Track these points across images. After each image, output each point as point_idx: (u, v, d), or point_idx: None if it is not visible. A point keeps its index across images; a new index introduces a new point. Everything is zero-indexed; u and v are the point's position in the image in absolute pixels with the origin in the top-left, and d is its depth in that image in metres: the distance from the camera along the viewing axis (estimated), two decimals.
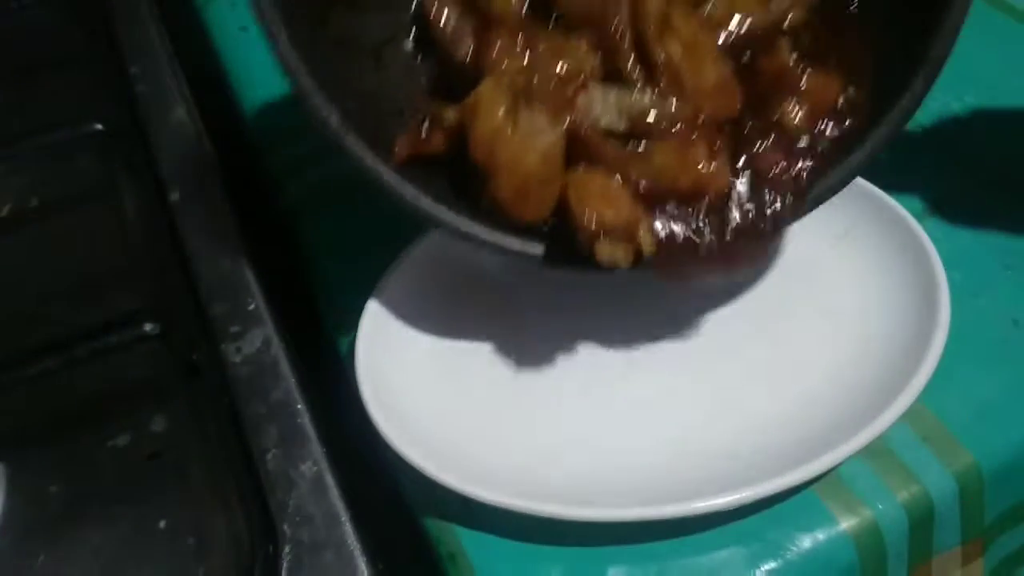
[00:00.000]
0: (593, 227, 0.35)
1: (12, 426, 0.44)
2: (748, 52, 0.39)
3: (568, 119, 0.37)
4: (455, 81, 0.41)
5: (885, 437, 0.38)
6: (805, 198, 0.38)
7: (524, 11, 0.40)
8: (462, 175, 0.38)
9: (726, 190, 0.37)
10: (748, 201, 0.37)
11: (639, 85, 0.38)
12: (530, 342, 0.43)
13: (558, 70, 0.37)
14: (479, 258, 0.43)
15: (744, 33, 0.39)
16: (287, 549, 0.37)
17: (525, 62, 0.38)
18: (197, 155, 0.55)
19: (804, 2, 0.40)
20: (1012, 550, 0.42)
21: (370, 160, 0.38)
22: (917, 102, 0.37)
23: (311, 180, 0.53)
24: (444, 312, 0.44)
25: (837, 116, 0.38)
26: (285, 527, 0.38)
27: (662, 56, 0.37)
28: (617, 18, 0.38)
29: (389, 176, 0.38)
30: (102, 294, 0.49)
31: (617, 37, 0.38)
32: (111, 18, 0.65)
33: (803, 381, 0.40)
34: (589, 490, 0.37)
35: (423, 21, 0.41)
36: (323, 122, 0.37)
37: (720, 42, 0.39)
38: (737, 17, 0.39)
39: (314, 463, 0.40)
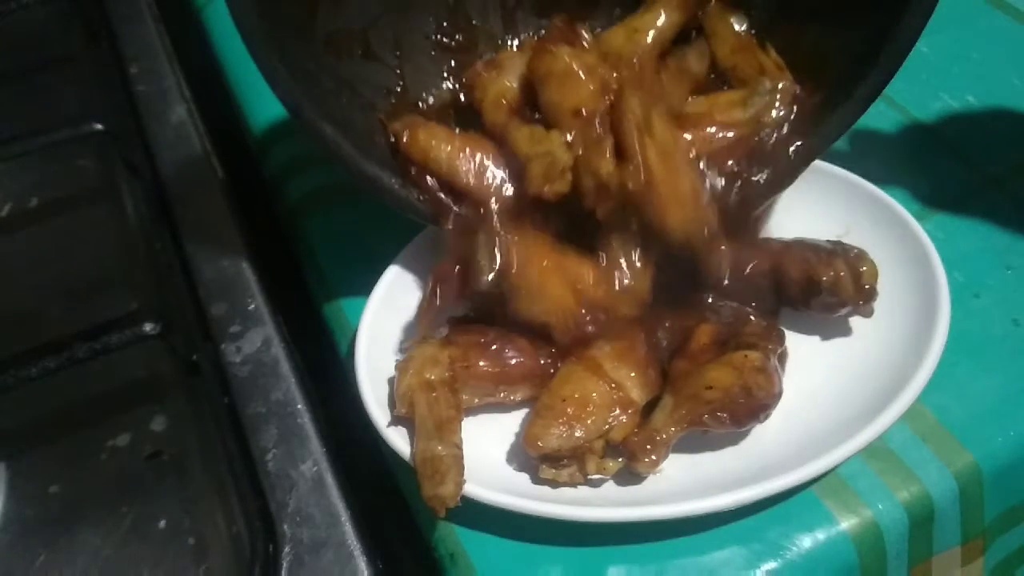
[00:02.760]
0: None
1: (12, 426, 0.44)
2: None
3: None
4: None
5: (885, 437, 0.38)
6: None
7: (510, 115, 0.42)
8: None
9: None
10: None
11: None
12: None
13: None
14: None
15: (725, 136, 0.41)
16: (287, 549, 0.37)
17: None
18: (197, 155, 0.55)
19: (782, 101, 0.41)
20: (1012, 550, 0.42)
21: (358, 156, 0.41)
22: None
23: (311, 180, 0.53)
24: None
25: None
26: (285, 527, 0.38)
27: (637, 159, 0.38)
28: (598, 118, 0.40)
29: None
30: (102, 294, 0.49)
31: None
32: (111, 18, 0.65)
33: (803, 381, 0.40)
34: (589, 490, 0.37)
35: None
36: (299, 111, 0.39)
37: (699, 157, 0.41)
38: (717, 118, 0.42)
39: (314, 463, 0.40)
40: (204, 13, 0.66)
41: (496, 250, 0.39)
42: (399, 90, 0.46)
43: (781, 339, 0.40)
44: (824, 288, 0.39)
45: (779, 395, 0.37)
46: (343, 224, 0.50)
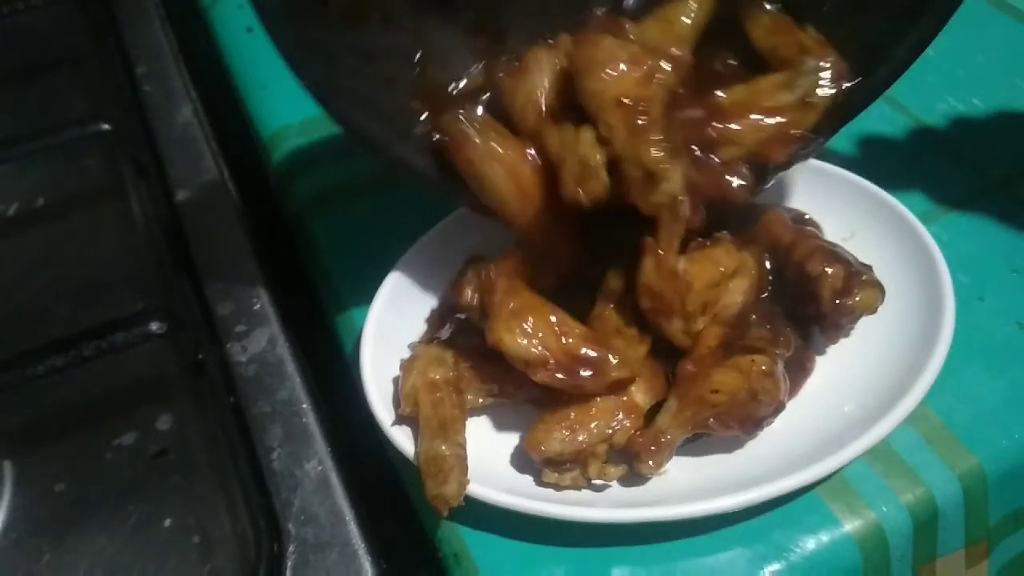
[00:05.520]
0: None
1: (19, 425, 0.44)
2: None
3: None
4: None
5: (889, 439, 0.38)
6: None
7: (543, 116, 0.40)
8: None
9: None
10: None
11: None
12: None
13: None
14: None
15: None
16: (291, 548, 0.37)
17: None
18: (203, 155, 0.56)
19: (831, 79, 0.39)
20: (1017, 553, 0.42)
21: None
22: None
23: (317, 180, 0.53)
24: None
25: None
26: (290, 526, 0.38)
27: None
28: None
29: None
30: (108, 293, 0.49)
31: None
32: (118, 19, 0.66)
33: (808, 383, 0.40)
34: (593, 491, 0.38)
35: None
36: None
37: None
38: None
39: (319, 462, 0.40)
40: (211, 13, 0.66)
41: (482, 271, 0.39)
42: (419, 58, 0.44)
43: (788, 344, 0.39)
44: (810, 278, 0.39)
45: (785, 401, 0.37)
46: (349, 224, 0.51)
